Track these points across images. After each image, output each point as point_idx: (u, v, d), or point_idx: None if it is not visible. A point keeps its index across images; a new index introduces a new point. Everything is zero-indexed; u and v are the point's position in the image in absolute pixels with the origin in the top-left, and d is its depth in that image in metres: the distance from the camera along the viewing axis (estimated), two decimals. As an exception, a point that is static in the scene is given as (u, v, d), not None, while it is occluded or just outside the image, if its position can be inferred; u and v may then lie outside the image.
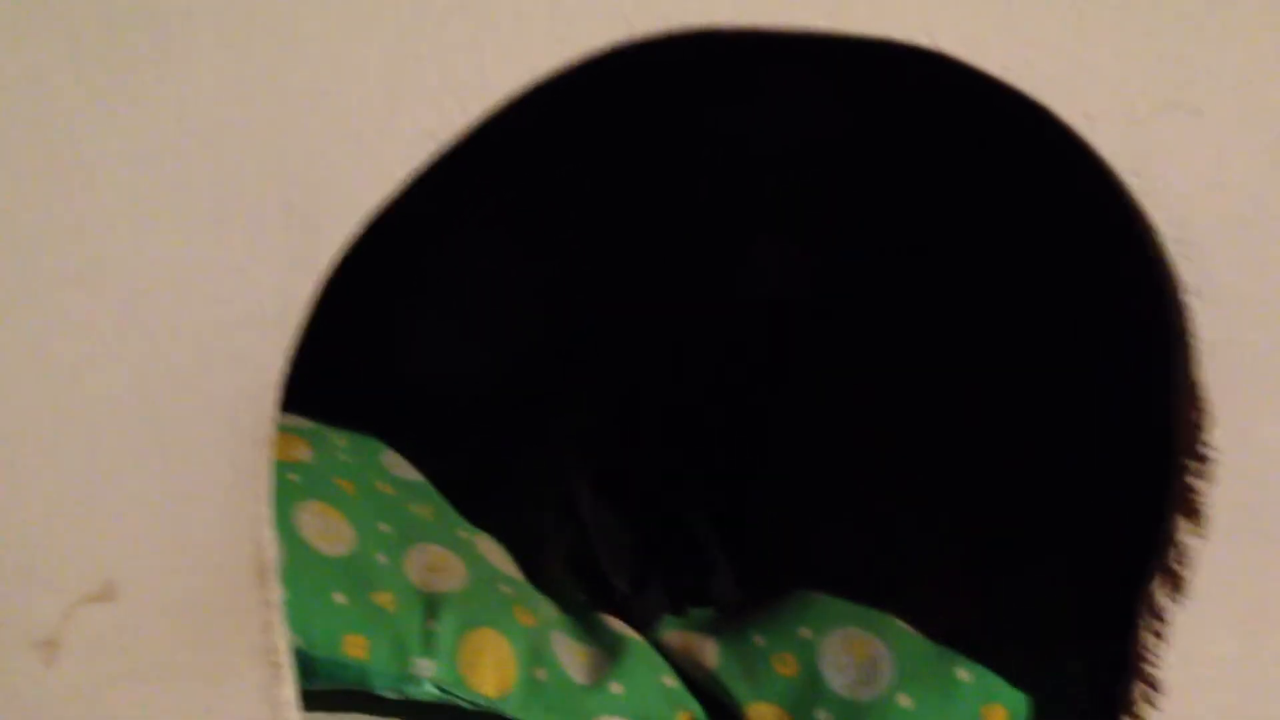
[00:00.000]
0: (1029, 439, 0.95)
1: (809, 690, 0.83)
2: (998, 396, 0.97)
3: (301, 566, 0.82)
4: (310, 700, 0.87)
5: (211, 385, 0.58)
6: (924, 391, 0.99)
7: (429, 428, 1.01)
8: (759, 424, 1.02)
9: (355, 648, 0.81)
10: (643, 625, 0.89)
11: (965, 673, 0.82)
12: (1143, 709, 0.74)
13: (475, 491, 0.98)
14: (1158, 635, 0.72)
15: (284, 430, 0.93)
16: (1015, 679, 0.82)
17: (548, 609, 0.90)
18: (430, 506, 0.94)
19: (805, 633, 0.85)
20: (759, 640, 0.86)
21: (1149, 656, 0.73)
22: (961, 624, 0.85)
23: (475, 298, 1.07)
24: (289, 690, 0.67)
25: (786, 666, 0.84)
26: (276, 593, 0.65)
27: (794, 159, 1.08)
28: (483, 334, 1.06)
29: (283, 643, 0.66)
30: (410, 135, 0.55)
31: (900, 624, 0.85)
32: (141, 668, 0.64)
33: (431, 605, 0.84)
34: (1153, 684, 0.73)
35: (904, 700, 0.81)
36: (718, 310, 1.08)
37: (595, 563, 0.92)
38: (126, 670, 0.64)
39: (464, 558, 0.89)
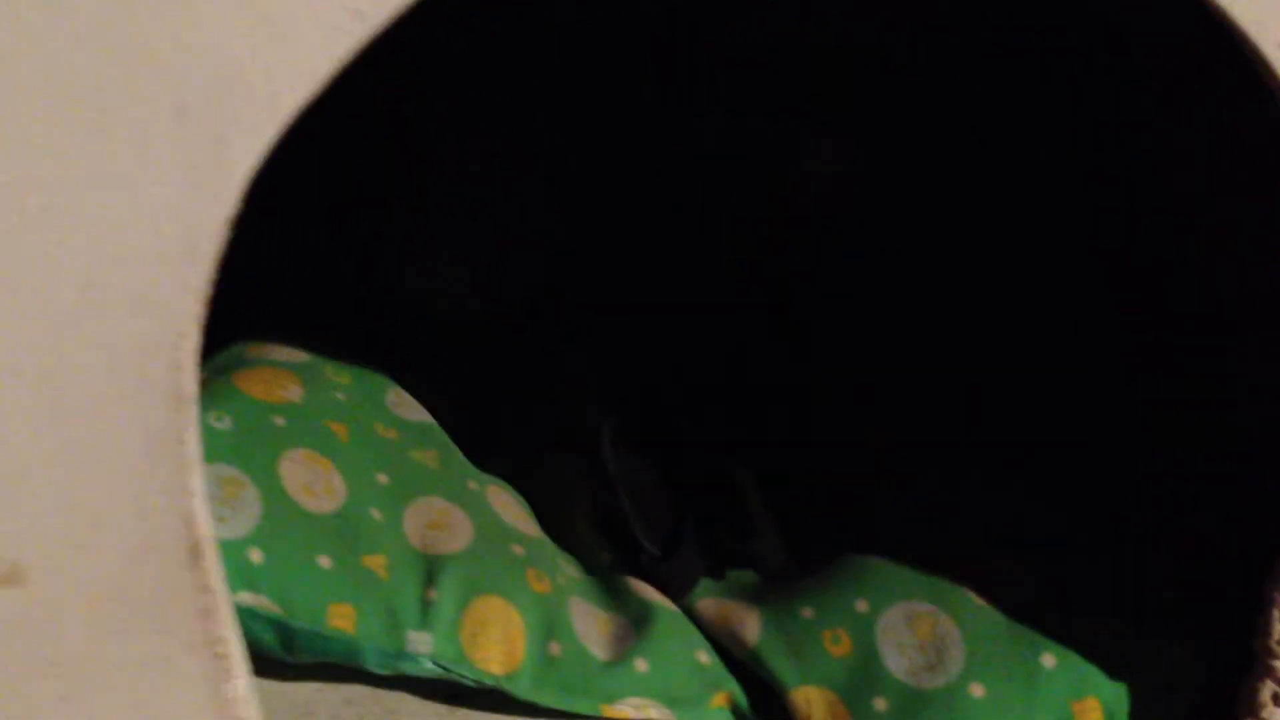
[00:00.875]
0: (1127, 393, 0.80)
1: (864, 674, 0.71)
2: (1089, 340, 0.82)
3: (282, 524, 0.71)
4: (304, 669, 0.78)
5: (107, 333, 0.47)
6: (1003, 331, 0.84)
7: (438, 359, 0.90)
8: (812, 365, 0.89)
9: (341, 619, 0.70)
10: (675, 592, 0.77)
11: (1051, 658, 0.69)
12: (1270, 712, 0.61)
13: (488, 433, 0.87)
14: (1293, 626, 0.58)
15: (274, 366, 0.82)
16: (1108, 667, 0.69)
17: (567, 571, 0.79)
18: (435, 452, 0.82)
19: (862, 606, 0.73)
20: (807, 613, 0.74)
21: (1280, 650, 0.59)
22: (1042, 600, 0.72)
23: (484, 209, 0.95)
24: (239, 685, 0.57)
25: (839, 645, 0.72)
26: (217, 575, 0.54)
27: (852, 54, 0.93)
28: (495, 250, 0.94)
29: (229, 632, 0.55)
30: (332, 17, 0.42)
31: (972, 597, 0.72)
32: (64, 660, 0.54)
33: (432, 570, 0.73)
34: (1284, 683, 0.60)
35: (977, 690, 0.69)
36: (764, 227, 0.95)
37: (622, 519, 0.81)
38: (47, 663, 0.54)
39: (471, 513, 0.78)
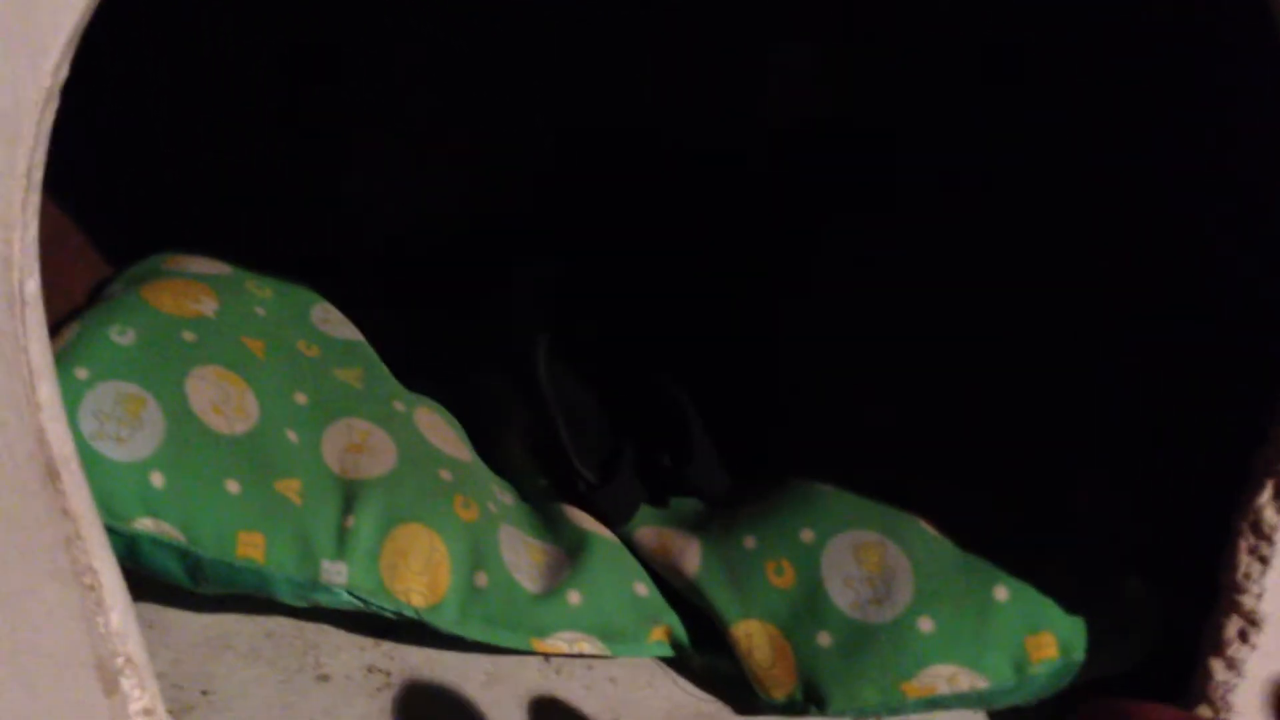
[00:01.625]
0: (1088, 315, 0.74)
1: (808, 607, 0.66)
2: (1057, 264, 0.76)
3: (186, 447, 0.66)
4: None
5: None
6: (965, 252, 0.78)
7: (372, 278, 0.84)
8: (760, 279, 0.83)
9: (250, 547, 0.65)
10: (613, 520, 0.73)
11: (1004, 591, 0.64)
12: (1238, 649, 0.56)
13: (421, 353, 0.81)
14: (1263, 561, 0.53)
15: (189, 278, 0.76)
16: (1064, 600, 0.64)
17: (499, 498, 0.74)
18: (360, 370, 0.76)
19: (807, 535, 0.68)
20: (750, 542, 0.69)
21: (1248, 586, 0.54)
22: (997, 532, 0.67)
23: (427, 126, 0.88)
24: (117, 619, 0.52)
25: (782, 577, 0.67)
26: (81, 499, 0.49)
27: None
28: (436, 170, 0.88)
29: (100, 561, 0.50)
30: None
31: (924, 527, 0.67)
32: (-80, 592, 0.49)
33: (350, 496, 0.68)
34: (1252, 619, 0.55)
35: (926, 624, 0.64)
36: (716, 133, 0.88)
37: (558, 443, 0.75)
38: (-101, 594, 0.49)
39: (395, 436, 0.72)
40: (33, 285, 0.44)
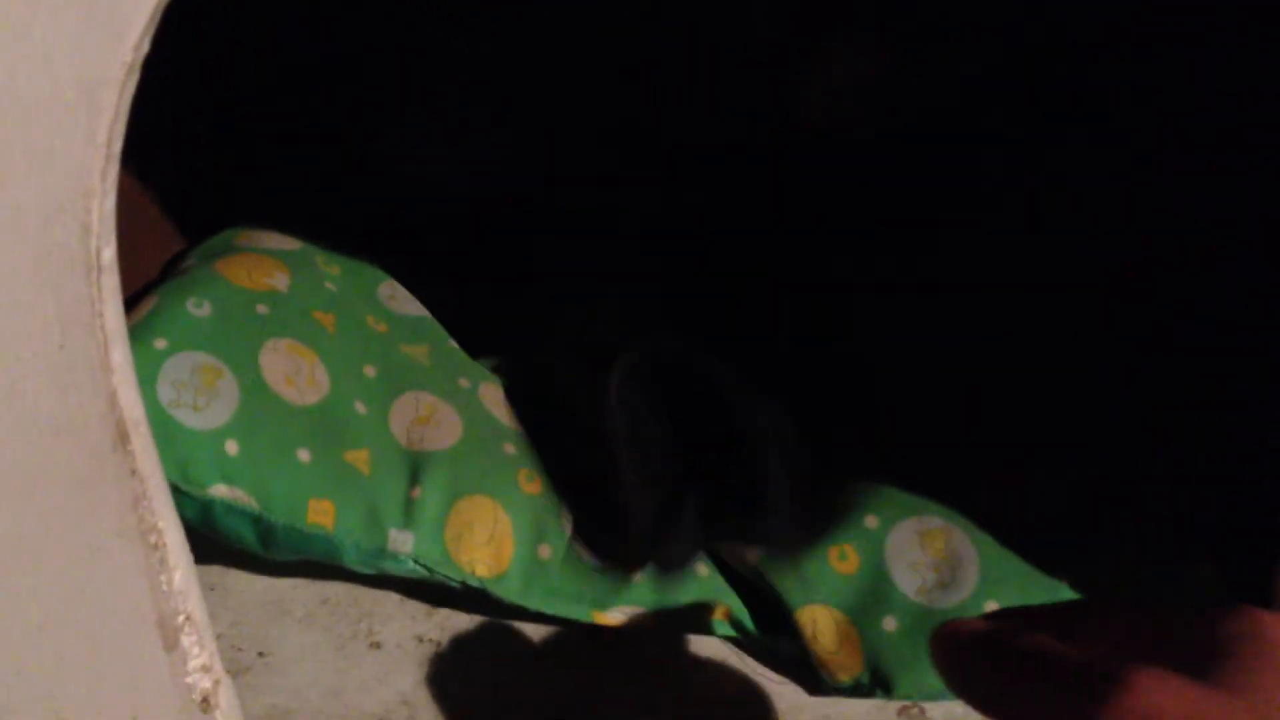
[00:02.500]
0: (1161, 301, 0.73)
1: (873, 592, 0.66)
2: (1128, 245, 0.75)
3: (259, 416, 0.67)
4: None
5: (9, 192, 0.43)
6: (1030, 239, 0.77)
7: (436, 254, 0.85)
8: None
9: (320, 514, 0.66)
10: (668, 569, 0.70)
11: (1069, 576, 0.64)
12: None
13: (488, 330, 0.82)
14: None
15: (262, 253, 0.78)
16: (1129, 586, 0.63)
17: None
18: (427, 347, 0.77)
19: (871, 522, 0.68)
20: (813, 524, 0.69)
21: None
22: (1062, 517, 0.66)
23: (494, 96, 0.88)
24: (180, 578, 0.53)
25: (846, 562, 0.67)
26: (149, 460, 0.50)
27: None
28: (501, 142, 0.88)
29: (165, 521, 0.51)
30: None
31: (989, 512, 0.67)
32: (-6, 543, 0.51)
33: (417, 467, 0.69)
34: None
35: (991, 608, 0.64)
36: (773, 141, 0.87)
37: (614, 478, 0.72)
38: (-22, 546, 0.51)
39: (460, 410, 0.73)
40: (109, 253, 0.45)
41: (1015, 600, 0.64)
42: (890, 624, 0.65)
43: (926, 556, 0.66)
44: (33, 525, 0.50)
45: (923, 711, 0.68)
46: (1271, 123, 0.67)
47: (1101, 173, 0.78)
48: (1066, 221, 0.79)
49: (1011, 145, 0.84)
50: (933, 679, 0.63)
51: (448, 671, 0.71)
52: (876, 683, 0.65)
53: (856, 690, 0.65)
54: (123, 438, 0.48)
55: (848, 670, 0.65)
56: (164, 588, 0.53)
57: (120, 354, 0.47)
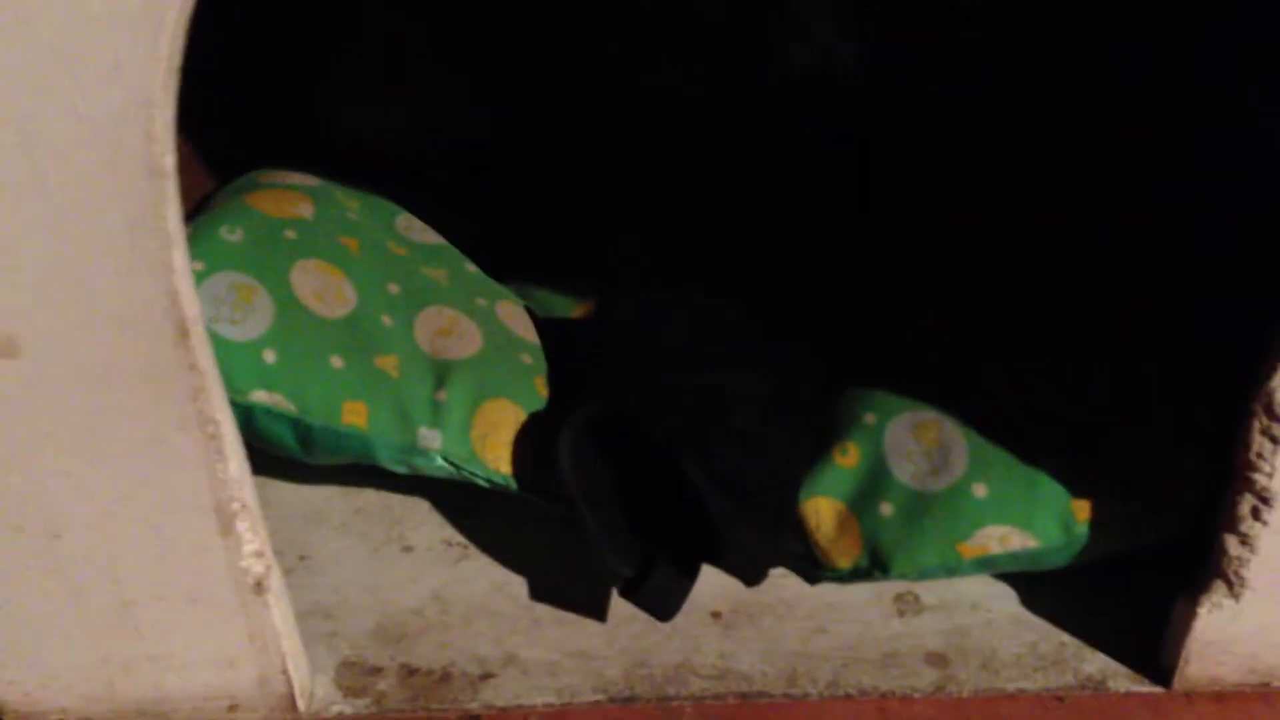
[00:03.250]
0: (1136, 207, 0.78)
1: (871, 481, 0.71)
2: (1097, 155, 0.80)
3: (294, 327, 0.71)
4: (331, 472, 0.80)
5: (82, 102, 0.47)
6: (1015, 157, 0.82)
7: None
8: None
9: (354, 415, 0.71)
10: (660, 616, 0.69)
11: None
12: (1249, 526, 0.60)
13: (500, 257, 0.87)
14: (1274, 440, 0.57)
15: (286, 188, 0.82)
16: (1109, 470, 0.68)
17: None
18: (445, 269, 0.82)
19: (869, 418, 0.73)
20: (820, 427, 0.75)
21: (1260, 465, 0.58)
22: (1048, 404, 0.71)
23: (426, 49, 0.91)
24: (234, 467, 0.58)
25: (847, 457, 0.72)
26: (206, 356, 0.55)
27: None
28: (434, 92, 0.91)
29: (221, 413, 0.56)
30: None
31: (977, 406, 0.72)
32: (61, 434, 0.55)
33: (441, 374, 0.73)
34: (1264, 496, 0.59)
35: (979, 490, 0.68)
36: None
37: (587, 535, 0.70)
38: (45, 436, 0.55)
39: (481, 324, 0.78)
40: (170, 160, 0.49)
41: (1001, 479, 0.68)
42: (887, 509, 0.70)
43: (920, 446, 0.71)
44: (101, 418, 0.55)
45: (917, 598, 0.73)
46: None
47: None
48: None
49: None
50: (926, 558, 0.68)
51: (475, 571, 0.76)
52: (875, 565, 0.69)
53: (855, 574, 0.70)
54: (183, 334, 0.53)
55: (848, 555, 0.70)
56: (220, 475, 0.57)
57: (180, 255, 0.52)
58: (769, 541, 0.69)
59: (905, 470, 0.70)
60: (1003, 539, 0.67)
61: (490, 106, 0.92)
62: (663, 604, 0.68)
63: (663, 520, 0.69)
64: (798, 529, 0.71)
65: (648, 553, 0.68)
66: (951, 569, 0.68)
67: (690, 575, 0.68)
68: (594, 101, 0.92)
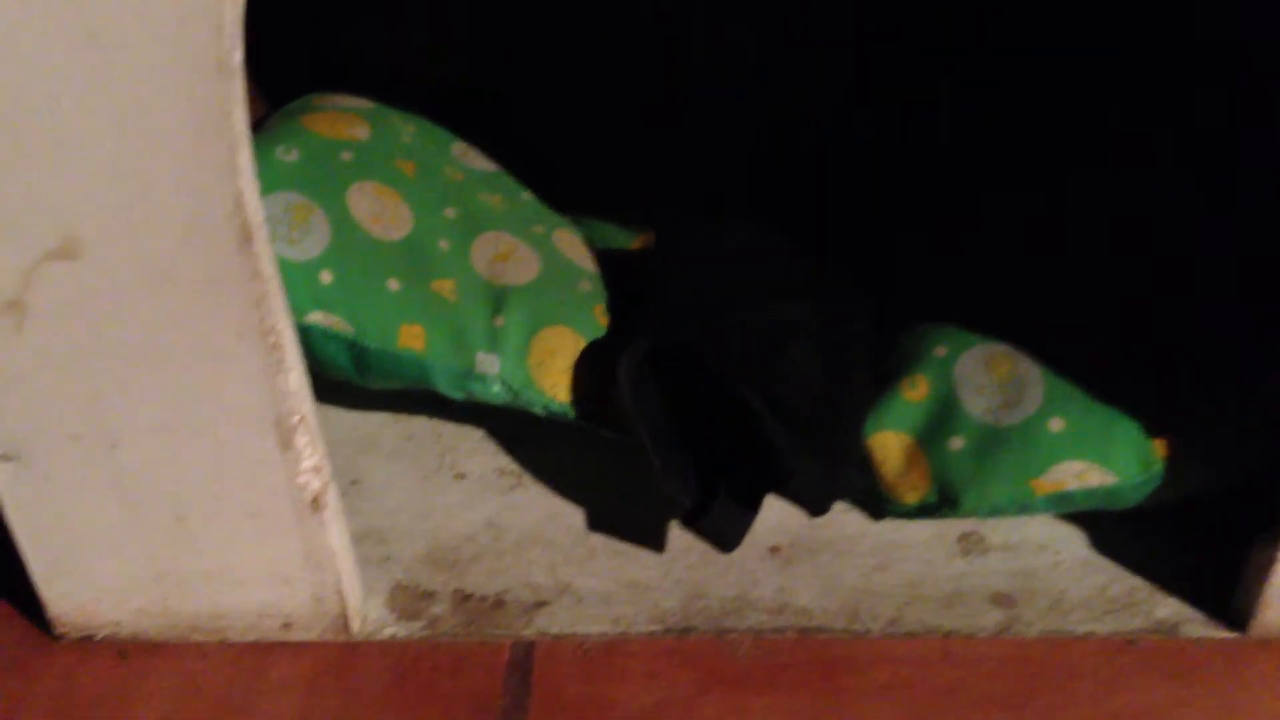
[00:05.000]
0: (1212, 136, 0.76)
1: (941, 415, 0.69)
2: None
3: (350, 249, 0.70)
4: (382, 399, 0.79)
5: None
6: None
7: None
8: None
9: (411, 338, 0.70)
10: (724, 548, 0.67)
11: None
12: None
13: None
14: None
15: (342, 110, 0.81)
16: (1192, 405, 0.66)
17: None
18: (501, 196, 0.81)
19: (940, 351, 0.71)
20: (887, 362, 0.73)
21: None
22: (1128, 338, 0.69)
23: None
24: (295, 379, 0.57)
25: (916, 390, 0.70)
26: (269, 264, 0.54)
27: None
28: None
29: (282, 323, 0.55)
30: None
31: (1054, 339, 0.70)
32: (121, 341, 0.54)
33: (499, 299, 0.72)
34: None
35: (1056, 424, 0.66)
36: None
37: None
38: (104, 342, 0.54)
39: (538, 250, 0.76)
40: (238, 56, 0.48)
41: (1079, 413, 0.66)
42: (957, 444, 0.68)
43: (993, 379, 0.69)
44: (162, 325, 0.54)
45: (981, 539, 0.72)
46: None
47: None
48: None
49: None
50: (998, 494, 0.66)
51: (529, 500, 0.75)
52: (944, 501, 0.68)
53: (922, 511, 0.69)
54: (247, 239, 0.52)
55: (916, 490, 0.68)
56: (281, 387, 0.57)
57: (245, 157, 0.51)
58: (832, 470, 0.66)
59: (978, 404, 0.68)
60: (1080, 475, 0.65)
61: (533, 35, 0.90)
62: (725, 534, 0.66)
63: (724, 451, 0.68)
64: (863, 463, 0.69)
65: (709, 483, 0.67)
66: (1024, 506, 0.66)
67: (753, 507, 0.67)
68: (645, 39, 0.90)
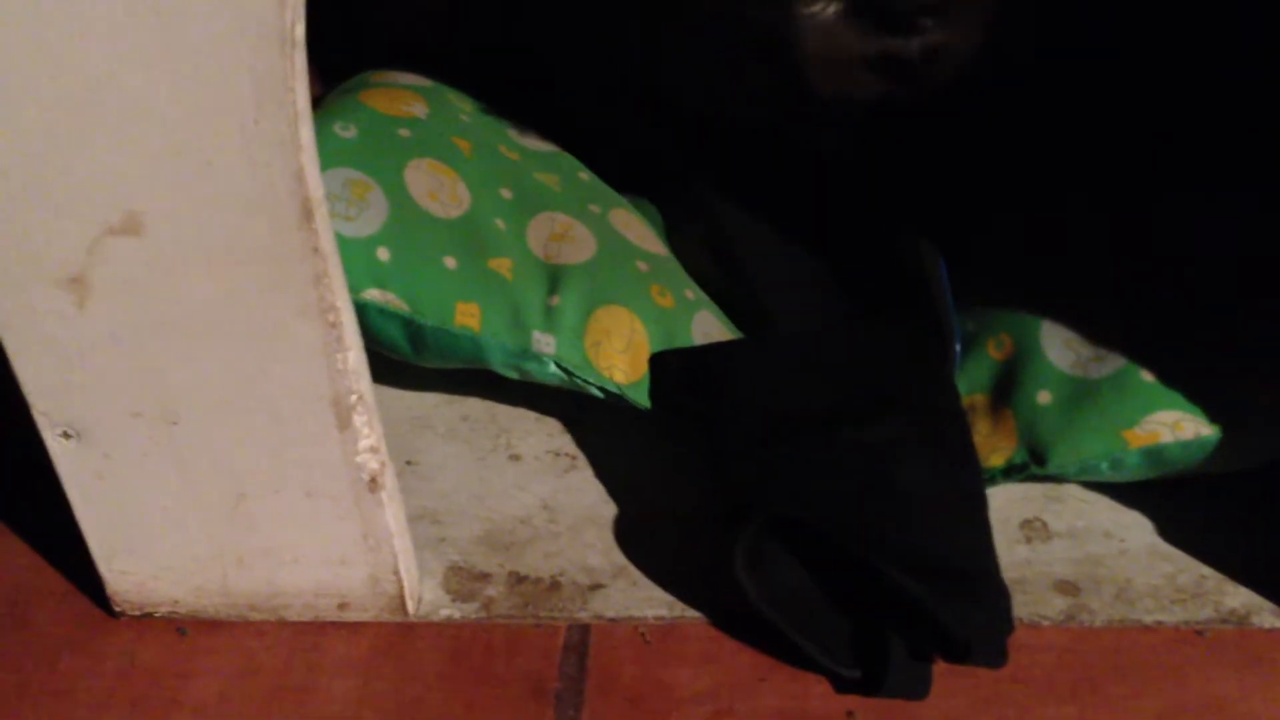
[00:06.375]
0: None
1: (1028, 371, 0.67)
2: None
3: (408, 226, 0.70)
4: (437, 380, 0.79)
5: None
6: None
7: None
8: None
9: (467, 316, 0.70)
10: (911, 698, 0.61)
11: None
12: None
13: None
14: None
15: (400, 87, 0.80)
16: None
17: (694, 289, 0.77)
18: (558, 176, 0.80)
19: (1024, 310, 0.70)
20: (969, 327, 0.71)
21: None
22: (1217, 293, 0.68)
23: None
24: (353, 358, 0.56)
25: (1002, 350, 0.69)
26: (329, 240, 0.53)
27: None
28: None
29: (341, 301, 0.55)
30: None
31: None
32: (182, 317, 0.54)
33: (555, 279, 0.71)
34: None
35: (1148, 375, 0.65)
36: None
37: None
38: (165, 319, 0.54)
39: (594, 230, 0.75)
40: (301, 29, 0.48)
41: (1172, 369, 0.65)
42: (1045, 398, 0.66)
43: (1080, 334, 0.67)
44: (222, 302, 0.54)
45: (1045, 525, 0.70)
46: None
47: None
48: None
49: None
50: (1089, 447, 0.65)
51: (584, 482, 0.74)
52: (1031, 458, 0.66)
53: (1009, 472, 0.67)
54: (307, 215, 0.52)
55: (1001, 451, 0.67)
56: (339, 366, 0.56)
57: (307, 132, 0.50)
58: (998, 610, 0.59)
59: (1065, 358, 0.67)
60: (1175, 425, 0.63)
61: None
62: (910, 692, 0.59)
63: (874, 607, 0.60)
64: None
65: (869, 639, 0.60)
66: (1116, 461, 0.64)
67: (927, 659, 0.60)
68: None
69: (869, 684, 0.59)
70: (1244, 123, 0.77)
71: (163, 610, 0.65)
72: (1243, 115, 0.77)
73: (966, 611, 0.56)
